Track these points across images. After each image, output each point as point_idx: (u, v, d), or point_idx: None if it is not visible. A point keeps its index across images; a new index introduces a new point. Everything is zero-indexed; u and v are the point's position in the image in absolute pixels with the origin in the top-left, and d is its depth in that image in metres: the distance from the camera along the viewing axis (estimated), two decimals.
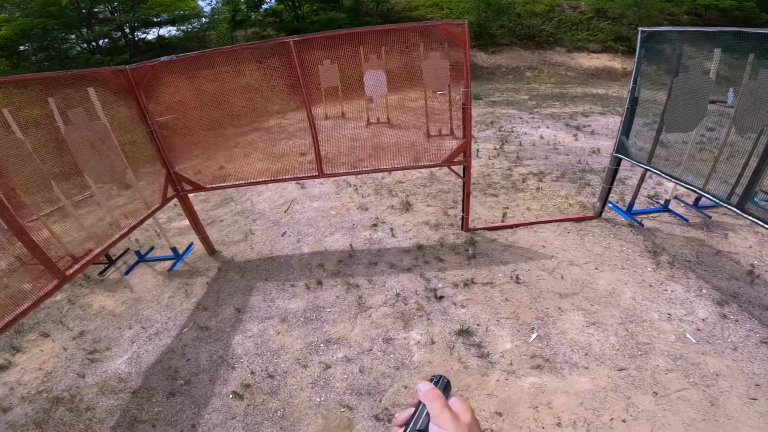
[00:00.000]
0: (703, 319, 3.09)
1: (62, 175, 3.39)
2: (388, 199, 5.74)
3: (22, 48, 16.25)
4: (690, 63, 3.41)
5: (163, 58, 3.69)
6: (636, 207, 4.77)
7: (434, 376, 0.63)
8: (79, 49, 17.65)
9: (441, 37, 3.77)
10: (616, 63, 18.68)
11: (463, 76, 3.77)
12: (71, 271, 2.87)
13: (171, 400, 2.89)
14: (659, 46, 3.64)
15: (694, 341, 2.91)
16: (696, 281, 3.50)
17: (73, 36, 17.46)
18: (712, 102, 3.39)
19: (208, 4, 21.11)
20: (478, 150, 7.44)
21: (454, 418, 0.55)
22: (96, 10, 17.43)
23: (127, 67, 3.66)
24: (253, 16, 20.41)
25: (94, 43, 17.80)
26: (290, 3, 19.88)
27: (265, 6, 20.60)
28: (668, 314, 3.17)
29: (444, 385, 0.61)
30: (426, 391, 0.58)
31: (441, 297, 3.60)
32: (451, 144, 4.05)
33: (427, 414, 0.56)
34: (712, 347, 2.84)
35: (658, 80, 3.82)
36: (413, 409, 0.58)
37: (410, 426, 0.56)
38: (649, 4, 19.48)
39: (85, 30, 17.26)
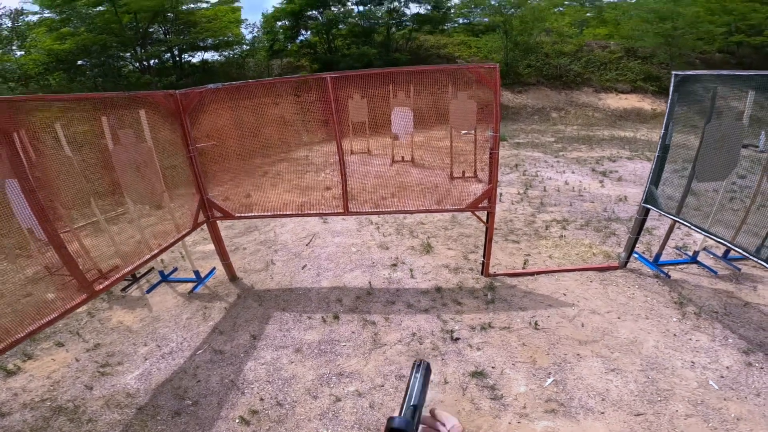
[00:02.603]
0: (727, 367, 3.04)
1: (103, 192, 3.57)
2: (409, 239, 5.76)
3: (79, 62, 17.17)
4: (723, 107, 3.37)
5: (210, 86, 3.86)
6: (663, 258, 4.65)
7: (417, 360, 0.68)
8: (131, 67, 18.57)
9: (470, 79, 3.85)
10: (645, 104, 18.42)
11: (491, 119, 3.82)
12: (101, 286, 2.96)
13: (176, 420, 2.89)
14: (693, 90, 3.59)
15: (716, 387, 2.86)
16: (722, 331, 3.45)
17: (129, 54, 18.36)
18: (744, 146, 3.32)
19: (250, 32, 22.17)
20: (501, 194, 7.40)
21: None
22: (151, 30, 18.42)
23: (177, 92, 3.82)
24: (289, 47, 21.31)
25: (145, 63, 18.65)
26: (324, 36, 20.82)
27: (301, 38, 21.58)
28: (691, 362, 3.12)
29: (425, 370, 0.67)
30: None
31: (457, 339, 3.55)
32: (475, 188, 4.08)
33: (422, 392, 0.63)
34: (735, 393, 2.79)
35: (690, 123, 3.74)
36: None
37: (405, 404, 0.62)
38: (681, 43, 19.01)
39: (140, 49, 18.16)
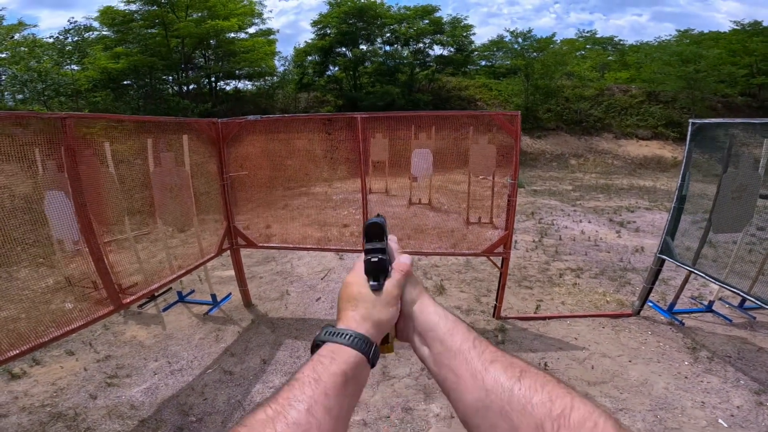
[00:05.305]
0: (738, 407, 3.05)
1: (136, 211, 3.75)
2: (422, 280, 5.79)
3: (125, 82, 18.25)
4: (740, 156, 3.37)
5: (249, 117, 4.02)
6: (678, 307, 4.62)
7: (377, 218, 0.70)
8: (171, 91, 19.48)
9: (491, 123, 3.95)
10: (666, 151, 18.01)
11: (509, 164, 3.90)
12: (128, 300, 3.07)
13: None
14: (710, 137, 3.60)
15: (726, 426, 2.87)
16: (734, 374, 3.46)
17: (171, 78, 19.42)
18: (763, 197, 3.31)
19: (282, 65, 23.12)
20: (516, 241, 7.37)
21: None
22: (193, 56, 19.56)
23: (219, 120, 4.00)
24: (317, 81, 22.02)
25: (184, 87, 19.56)
26: (351, 73, 21.66)
27: (328, 72, 22.38)
28: (702, 402, 3.13)
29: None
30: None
31: None
32: (491, 233, 4.13)
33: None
34: (744, 430, 2.81)
35: (712, 172, 3.72)
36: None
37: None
38: (703, 86, 18.79)
39: (182, 74, 19.21)
